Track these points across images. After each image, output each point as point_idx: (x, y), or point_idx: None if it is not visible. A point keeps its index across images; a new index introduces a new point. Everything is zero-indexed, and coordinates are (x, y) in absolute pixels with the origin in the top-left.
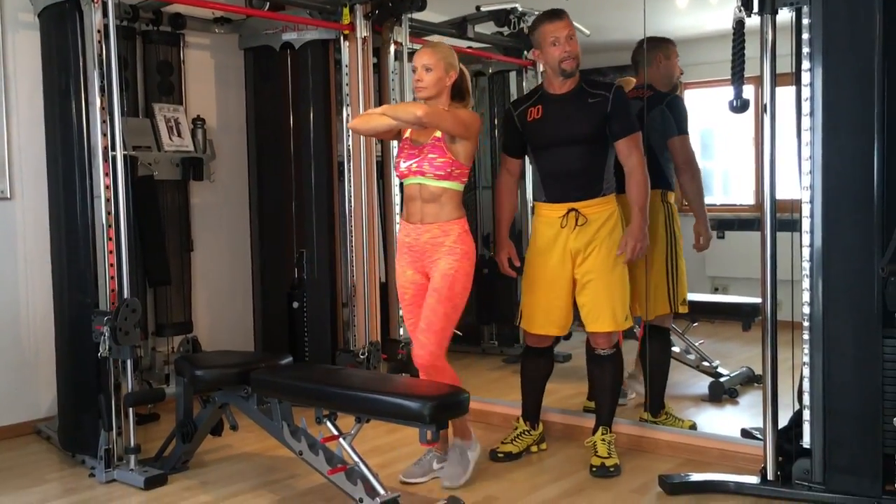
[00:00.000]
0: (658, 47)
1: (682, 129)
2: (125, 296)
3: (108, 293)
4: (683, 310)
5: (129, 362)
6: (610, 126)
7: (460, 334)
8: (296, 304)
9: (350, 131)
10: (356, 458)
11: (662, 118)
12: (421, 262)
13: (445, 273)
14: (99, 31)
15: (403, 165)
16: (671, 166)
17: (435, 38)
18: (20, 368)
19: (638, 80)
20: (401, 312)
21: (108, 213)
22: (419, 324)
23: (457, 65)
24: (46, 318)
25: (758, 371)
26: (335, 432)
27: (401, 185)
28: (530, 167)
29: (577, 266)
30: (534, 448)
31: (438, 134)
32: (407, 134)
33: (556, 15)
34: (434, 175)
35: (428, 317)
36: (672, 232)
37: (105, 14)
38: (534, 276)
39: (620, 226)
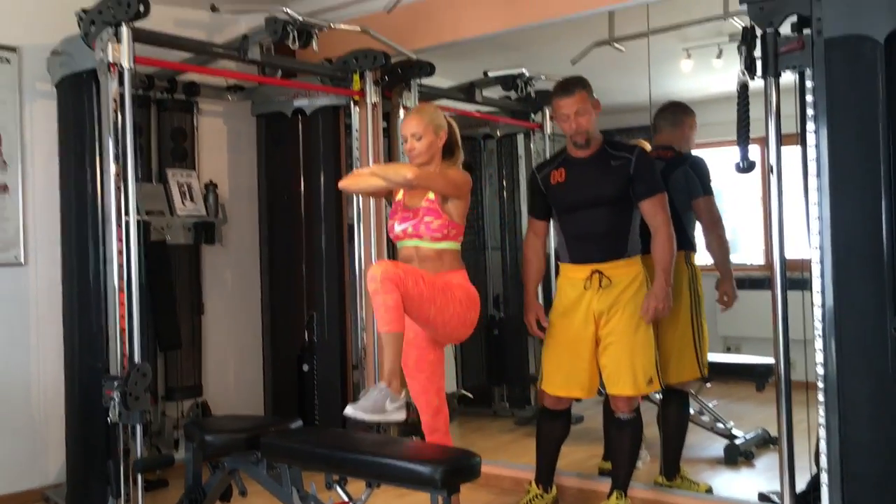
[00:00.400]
0: (686, 112)
1: (706, 189)
2: (136, 360)
3: (119, 357)
4: (706, 373)
5: (138, 427)
6: (634, 187)
7: (470, 396)
8: (306, 367)
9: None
10: None
11: (686, 179)
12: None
13: (441, 308)
14: (115, 100)
15: (398, 228)
16: (693, 227)
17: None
18: (30, 435)
19: (657, 141)
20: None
21: (121, 277)
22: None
23: (444, 124)
24: (57, 383)
25: (773, 433)
26: (345, 498)
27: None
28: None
29: (600, 327)
30: None
31: (432, 196)
32: (399, 196)
33: (565, 90)
34: (431, 238)
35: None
36: (696, 294)
37: (121, 83)
38: (556, 336)
39: (645, 287)
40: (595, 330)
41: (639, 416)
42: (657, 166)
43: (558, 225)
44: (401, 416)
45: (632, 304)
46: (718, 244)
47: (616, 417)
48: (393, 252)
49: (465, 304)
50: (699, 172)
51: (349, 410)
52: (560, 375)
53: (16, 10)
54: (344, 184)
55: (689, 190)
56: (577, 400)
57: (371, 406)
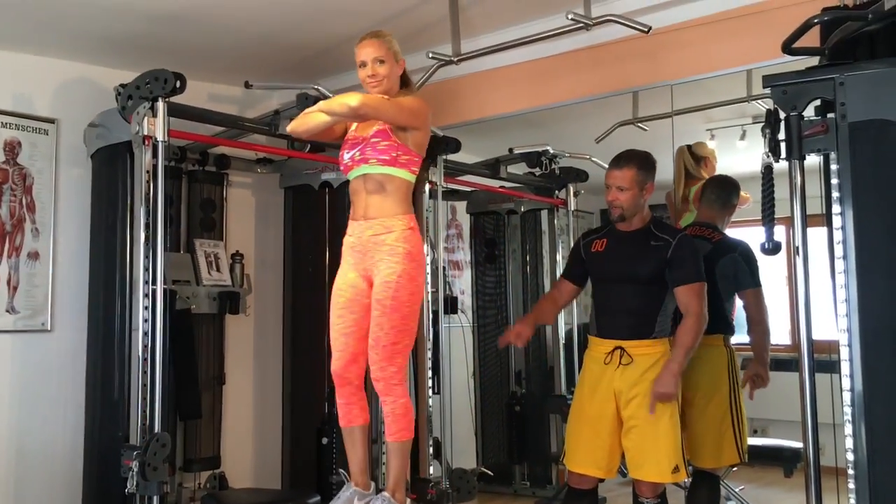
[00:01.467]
0: (738, 193)
1: (756, 281)
2: (156, 429)
3: (140, 426)
4: (745, 458)
5: (155, 499)
6: (671, 272)
7: (490, 474)
8: (325, 440)
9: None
10: None
11: (736, 268)
12: (363, 263)
13: (387, 280)
14: (148, 171)
15: (346, 157)
16: (733, 311)
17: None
18: (49, 502)
19: (700, 216)
20: (430, 450)
21: (145, 345)
22: (363, 337)
23: (399, 51)
24: (76, 451)
25: None
26: None
27: (434, 317)
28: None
29: (621, 408)
30: None
31: (381, 125)
32: (352, 128)
33: (617, 162)
34: (378, 160)
35: (374, 332)
36: (735, 376)
37: (155, 155)
38: (579, 411)
39: None
40: (616, 408)
41: (663, 501)
42: (699, 252)
43: (593, 295)
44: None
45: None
46: (763, 335)
47: (639, 502)
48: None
49: (409, 278)
50: (749, 262)
51: None
52: (581, 452)
53: (55, 84)
54: (292, 127)
55: (736, 278)
56: (601, 480)
57: None
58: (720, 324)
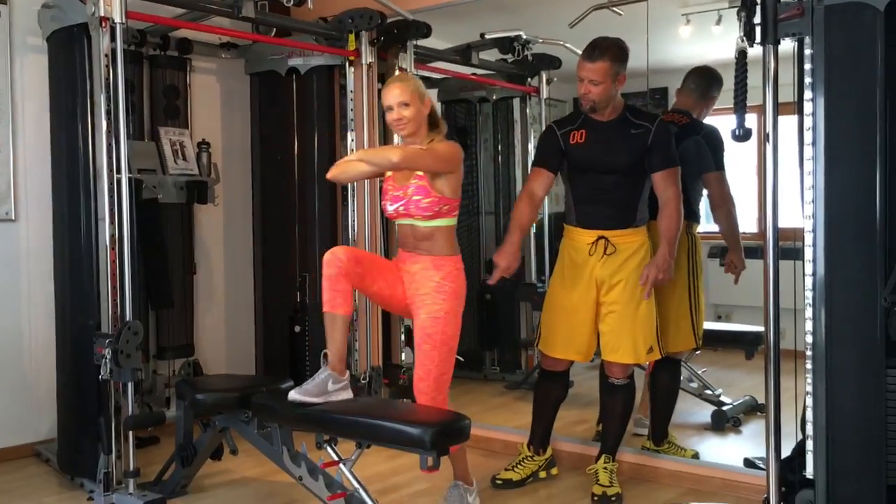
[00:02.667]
0: (718, 86)
1: (719, 164)
2: (127, 318)
3: (111, 315)
4: (700, 343)
5: (129, 385)
6: (650, 158)
7: (462, 360)
8: (297, 328)
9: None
10: (356, 484)
11: (698, 150)
12: (410, 289)
13: (436, 316)
14: (106, 56)
15: (391, 209)
16: (699, 198)
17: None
18: (21, 390)
19: (677, 104)
20: (402, 337)
21: (112, 235)
22: (416, 370)
23: (426, 92)
24: (48, 340)
25: (761, 400)
26: (335, 458)
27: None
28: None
29: (601, 294)
30: (542, 473)
31: (420, 173)
32: (389, 173)
33: (589, 54)
34: (423, 217)
35: (425, 365)
36: (695, 264)
37: (113, 38)
38: (557, 299)
39: (649, 257)
40: (596, 296)
41: (632, 382)
42: (673, 136)
43: (569, 186)
44: (346, 395)
45: (636, 273)
46: (728, 219)
47: (610, 383)
48: (386, 223)
49: (454, 315)
50: (713, 145)
51: (293, 395)
52: (559, 338)
53: None
54: (332, 174)
55: (700, 162)
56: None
57: (314, 389)
58: (685, 210)
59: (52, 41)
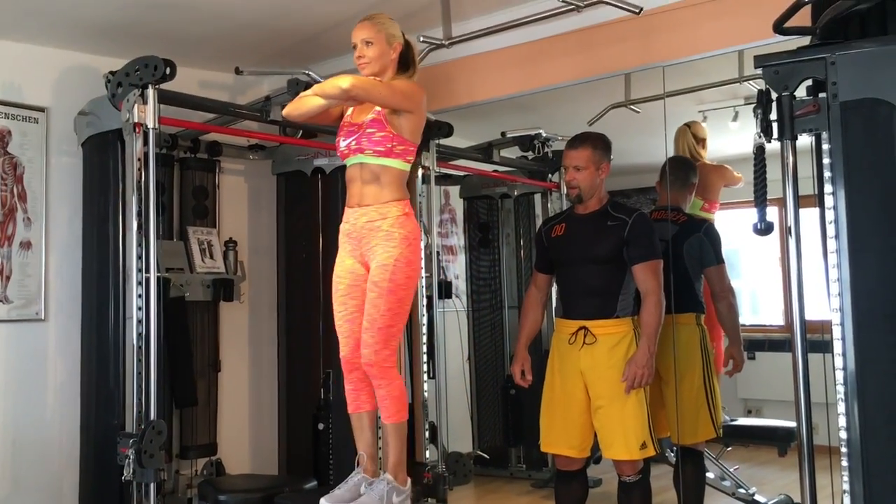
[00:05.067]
0: (695, 172)
1: (719, 258)
2: (152, 417)
3: (135, 414)
4: (720, 433)
5: (152, 486)
6: (628, 251)
7: (486, 457)
8: (321, 426)
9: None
10: None
11: (701, 247)
12: (359, 249)
13: (384, 263)
14: (139, 159)
15: (343, 144)
16: (702, 290)
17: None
18: (45, 489)
19: (665, 200)
20: (426, 434)
21: (139, 333)
22: (362, 322)
23: (400, 36)
24: (73, 439)
25: (796, 498)
26: None
27: (429, 302)
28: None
29: (589, 387)
30: None
31: (378, 108)
32: (348, 112)
33: (573, 143)
34: (374, 152)
35: (370, 313)
36: (707, 353)
37: (146, 143)
38: (549, 393)
39: (634, 349)
40: (584, 388)
41: (645, 478)
42: (655, 231)
43: (556, 279)
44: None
45: (620, 365)
46: (729, 311)
47: (621, 481)
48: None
49: (406, 262)
50: (713, 240)
51: (324, 502)
52: (554, 433)
53: (45, 72)
54: (287, 111)
55: (702, 257)
56: (595, 462)
57: (346, 495)
58: (691, 303)
59: (86, 146)
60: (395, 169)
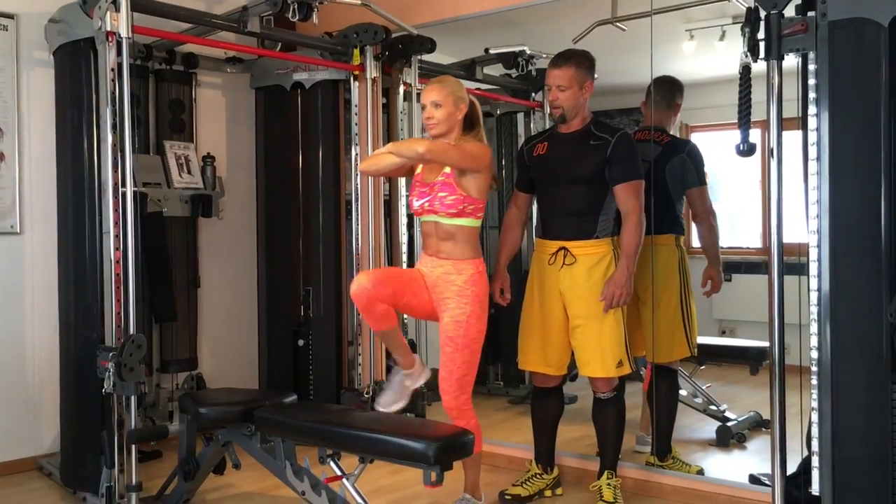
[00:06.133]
0: (681, 93)
1: (701, 179)
2: (131, 331)
3: (114, 329)
4: (695, 352)
5: (133, 399)
6: (610, 170)
7: None
8: (301, 342)
9: (358, 171)
10: (359, 499)
11: (683, 168)
12: (432, 289)
13: (458, 320)
14: (112, 70)
15: (416, 204)
16: (682, 211)
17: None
18: (24, 404)
19: (650, 121)
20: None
21: (117, 248)
22: (440, 371)
23: (466, 97)
24: (52, 353)
25: (766, 416)
26: (338, 472)
27: (409, 220)
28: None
29: (567, 306)
30: (547, 493)
31: (448, 170)
32: (418, 170)
33: (556, 61)
34: (447, 213)
35: (447, 366)
36: (685, 274)
37: (119, 53)
38: (528, 312)
39: (613, 269)
40: (562, 307)
41: (619, 395)
42: (638, 151)
43: (537, 198)
44: (425, 375)
45: (599, 286)
46: (710, 232)
47: (596, 397)
48: (390, 229)
49: (477, 318)
50: (695, 161)
51: (379, 409)
52: (531, 352)
53: None
54: (363, 167)
55: (684, 179)
56: (571, 379)
57: (393, 396)
58: (671, 224)
59: (58, 55)
60: (469, 227)
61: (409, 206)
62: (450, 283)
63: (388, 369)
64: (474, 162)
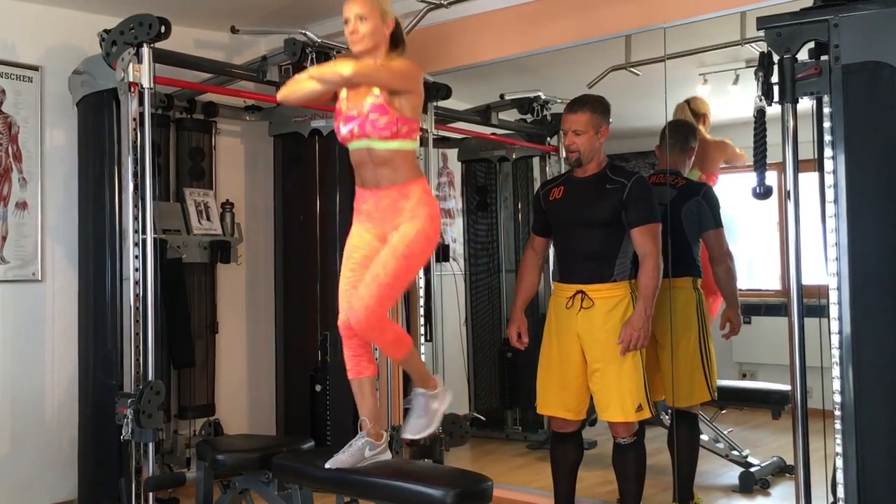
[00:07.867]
0: (695, 136)
1: (718, 222)
2: (149, 377)
3: (133, 374)
4: (715, 396)
5: (150, 446)
6: (626, 214)
7: (483, 419)
8: (318, 387)
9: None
10: None
11: (699, 210)
12: (382, 228)
13: (406, 233)
14: (134, 119)
15: (344, 130)
16: (699, 254)
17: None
18: (43, 450)
19: (665, 164)
20: None
21: (136, 294)
22: (365, 275)
23: (391, 11)
24: (71, 399)
25: (789, 461)
26: None
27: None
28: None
29: (585, 350)
30: None
31: (377, 92)
32: (343, 95)
33: (571, 106)
34: (380, 137)
35: (375, 268)
36: (703, 317)
37: (141, 103)
38: (546, 356)
39: (631, 313)
40: (580, 351)
41: (640, 440)
42: (654, 194)
43: (554, 242)
44: (385, 458)
45: (617, 329)
46: (727, 274)
47: (616, 443)
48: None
49: (426, 238)
50: (711, 204)
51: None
52: (550, 396)
53: (38, 31)
54: (282, 94)
55: (700, 221)
56: (591, 424)
57: (350, 459)
58: (688, 267)
59: (81, 106)
60: (405, 150)
61: (335, 132)
62: (400, 210)
63: (406, 392)
64: (406, 81)
